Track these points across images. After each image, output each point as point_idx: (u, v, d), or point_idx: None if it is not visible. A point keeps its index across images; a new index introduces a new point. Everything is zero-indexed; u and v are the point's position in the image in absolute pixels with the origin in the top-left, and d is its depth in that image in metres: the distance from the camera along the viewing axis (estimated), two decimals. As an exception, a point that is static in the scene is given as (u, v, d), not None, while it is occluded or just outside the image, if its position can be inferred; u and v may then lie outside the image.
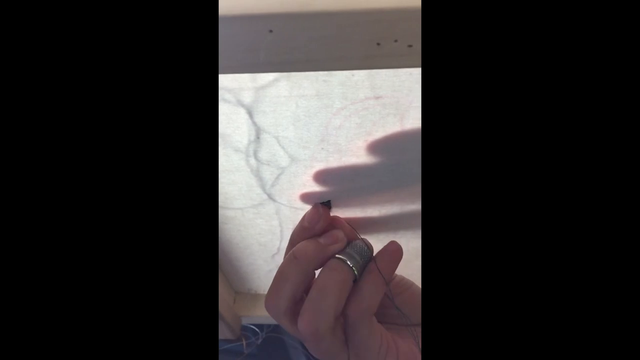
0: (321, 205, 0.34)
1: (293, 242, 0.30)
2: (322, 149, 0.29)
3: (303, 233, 0.30)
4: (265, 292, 0.50)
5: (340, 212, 0.35)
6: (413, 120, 0.26)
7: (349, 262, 0.28)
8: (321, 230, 0.29)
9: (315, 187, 0.33)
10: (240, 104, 0.26)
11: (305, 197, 0.32)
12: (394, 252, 0.28)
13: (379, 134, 0.27)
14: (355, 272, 0.28)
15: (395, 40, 0.19)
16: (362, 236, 0.31)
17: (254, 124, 0.28)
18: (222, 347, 0.50)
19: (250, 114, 0.27)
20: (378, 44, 0.19)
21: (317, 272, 0.30)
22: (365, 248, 0.29)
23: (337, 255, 0.28)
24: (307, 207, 0.35)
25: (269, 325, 0.52)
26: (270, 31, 0.19)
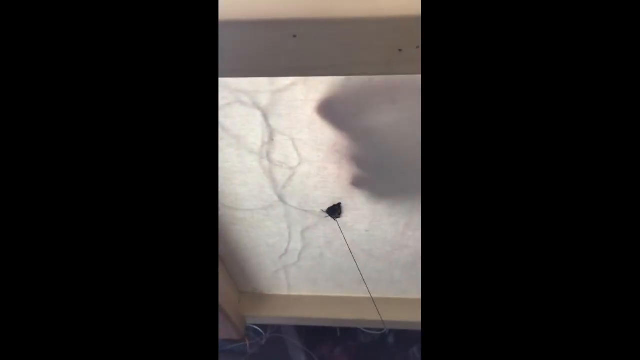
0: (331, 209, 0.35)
1: None
2: (336, 151, 0.29)
3: None
4: (271, 293, 0.50)
5: (350, 213, 0.36)
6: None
7: None
8: None
9: (326, 191, 0.33)
10: (257, 106, 0.27)
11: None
12: None
13: (392, 137, 0.27)
14: None
15: (417, 47, 0.19)
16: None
17: (268, 126, 0.28)
18: (226, 347, 0.51)
19: (265, 116, 0.27)
20: (400, 50, 0.19)
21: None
22: None
23: None
24: (317, 210, 0.35)
25: (272, 326, 0.53)
26: (294, 36, 0.20)
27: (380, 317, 0.44)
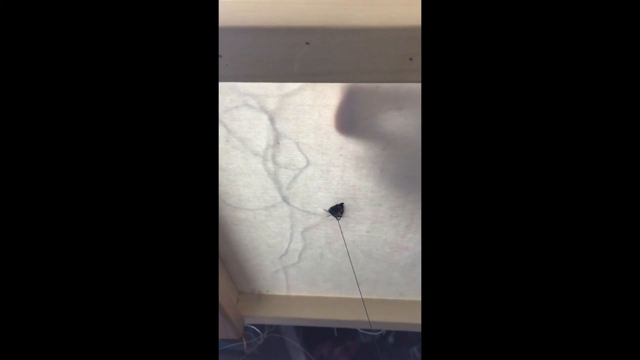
0: (333, 209, 0.35)
1: None
2: (340, 155, 0.29)
3: None
4: (270, 293, 0.50)
5: (352, 214, 0.36)
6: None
7: None
8: None
9: (329, 192, 0.33)
10: (264, 110, 0.27)
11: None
12: None
13: (398, 143, 0.28)
14: None
15: (428, 57, 0.20)
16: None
17: (274, 129, 0.28)
18: (224, 347, 0.51)
19: (272, 120, 0.28)
20: (410, 59, 0.20)
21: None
22: None
23: None
24: (320, 211, 0.36)
25: (270, 326, 0.53)
26: (307, 43, 0.20)
27: (368, 319, 0.44)
